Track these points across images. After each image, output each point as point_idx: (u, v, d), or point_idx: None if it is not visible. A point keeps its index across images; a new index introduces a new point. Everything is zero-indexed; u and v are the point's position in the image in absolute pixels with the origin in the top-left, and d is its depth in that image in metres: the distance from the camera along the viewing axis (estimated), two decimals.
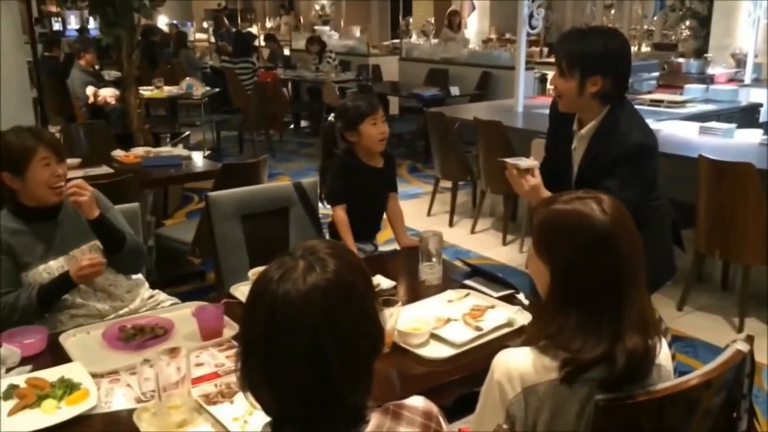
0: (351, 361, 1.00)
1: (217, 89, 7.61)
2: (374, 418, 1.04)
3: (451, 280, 2.21)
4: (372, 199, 2.64)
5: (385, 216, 2.77)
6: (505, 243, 4.67)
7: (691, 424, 1.33)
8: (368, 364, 1.04)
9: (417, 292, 2.16)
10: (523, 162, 2.15)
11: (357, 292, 1.03)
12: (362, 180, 2.54)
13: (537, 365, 1.25)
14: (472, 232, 4.91)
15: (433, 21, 12.59)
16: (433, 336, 1.80)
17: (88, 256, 1.99)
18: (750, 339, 1.42)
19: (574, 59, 2.09)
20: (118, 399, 1.54)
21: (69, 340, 1.80)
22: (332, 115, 2.57)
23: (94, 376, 1.59)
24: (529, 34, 5.33)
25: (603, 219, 1.26)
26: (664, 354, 1.34)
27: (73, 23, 14.10)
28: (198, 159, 4.10)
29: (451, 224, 5.07)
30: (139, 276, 2.26)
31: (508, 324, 1.86)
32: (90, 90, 6.12)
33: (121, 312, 2.10)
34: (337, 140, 2.56)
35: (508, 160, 2.17)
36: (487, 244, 4.69)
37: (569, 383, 1.23)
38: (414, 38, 11.11)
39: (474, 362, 1.69)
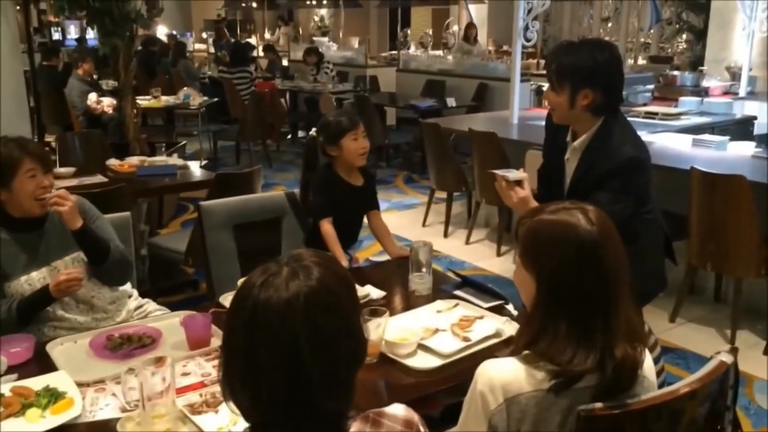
0: (330, 369, 1.00)
1: (215, 99, 7.64)
2: (354, 427, 1.04)
3: (440, 290, 2.21)
4: (350, 215, 2.65)
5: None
6: (499, 254, 4.68)
7: None
8: (348, 374, 1.04)
9: (407, 302, 2.16)
10: (512, 174, 2.16)
11: (340, 302, 1.03)
12: (342, 195, 2.56)
13: (520, 375, 1.25)
14: (467, 242, 4.92)
15: (431, 33, 12.67)
16: (421, 346, 1.80)
17: (66, 270, 1.98)
18: (734, 351, 1.43)
19: (563, 73, 2.10)
20: (103, 408, 1.53)
21: (56, 349, 1.80)
22: (314, 129, 2.60)
23: (80, 385, 1.59)
24: (524, 47, 5.36)
25: (590, 229, 1.27)
26: (648, 365, 1.35)
27: (73, 33, 14.16)
28: (194, 169, 4.11)
29: (446, 235, 5.07)
30: (126, 287, 2.24)
31: (496, 335, 1.86)
32: (93, 96, 6.15)
33: (105, 325, 2.07)
34: (318, 154, 2.58)
35: (498, 171, 2.18)
36: (482, 255, 4.69)
37: (556, 393, 1.24)
38: (412, 49, 11.17)
39: (461, 372, 1.69)
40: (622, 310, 1.26)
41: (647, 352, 1.37)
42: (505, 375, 1.26)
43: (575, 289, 1.25)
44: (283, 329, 0.97)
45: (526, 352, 1.28)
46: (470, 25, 9.90)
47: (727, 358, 1.40)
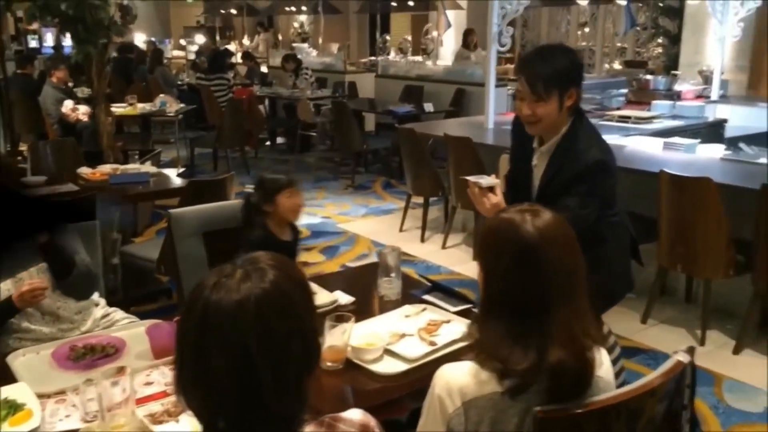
0: (282, 372, 1.00)
1: (192, 106, 7.60)
2: (307, 428, 1.04)
3: (409, 295, 2.22)
4: None
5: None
6: (475, 258, 4.69)
7: None
8: (300, 378, 1.04)
9: (375, 307, 2.17)
10: (485, 180, 2.17)
11: (293, 305, 1.03)
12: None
13: (476, 378, 1.26)
14: (443, 247, 4.93)
15: (410, 39, 12.72)
16: (387, 351, 1.80)
17: (29, 281, 1.96)
18: (691, 350, 1.45)
19: (550, 79, 2.08)
20: (63, 420, 1.52)
21: (17, 360, 1.77)
22: (250, 186, 2.61)
23: (41, 396, 1.57)
24: (501, 52, 5.39)
25: (531, 232, 1.27)
26: (605, 367, 1.36)
27: (50, 41, 14.02)
28: (170, 176, 4.08)
29: (422, 240, 5.08)
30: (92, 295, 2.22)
31: (463, 339, 1.86)
32: (70, 103, 6.09)
33: (70, 335, 2.06)
34: (254, 210, 2.57)
35: (470, 178, 2.19)
36: (458, 260, 4.70)
37: (512, 396, 1.24)
38: (392, 55, 11.20)
39: (428, 377, 1.66)
40: (560, 316, 1.25)
41: (605, 353, 1.38)
42: (462, 379, 1.26)
43: (511, 288, 1.27)
44: (233, 331, 0.97)
45: (483, 354, 1.29)
46: (470, 31, 9.73)
47: (684, 358, 1.42)
